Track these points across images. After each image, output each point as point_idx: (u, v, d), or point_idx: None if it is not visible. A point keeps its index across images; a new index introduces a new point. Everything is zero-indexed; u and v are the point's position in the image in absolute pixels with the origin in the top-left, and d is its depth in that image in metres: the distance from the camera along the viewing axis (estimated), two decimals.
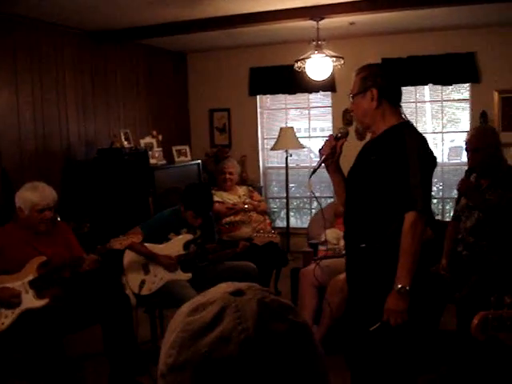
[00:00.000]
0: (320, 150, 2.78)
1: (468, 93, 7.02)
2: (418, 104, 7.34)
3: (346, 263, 2.88)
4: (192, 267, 4.38)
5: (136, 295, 4.27)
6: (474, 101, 6.92)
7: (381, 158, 2.62)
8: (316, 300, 4.33)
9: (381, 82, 2.68)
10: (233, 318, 0.77)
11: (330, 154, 2.74)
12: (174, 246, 4.36)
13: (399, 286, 2.53)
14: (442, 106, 7.26)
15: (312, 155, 7.72)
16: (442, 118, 7.28)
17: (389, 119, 2.70)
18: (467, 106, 7.08)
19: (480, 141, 3.73)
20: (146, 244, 4.31)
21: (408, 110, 7.19)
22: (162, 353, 0.82)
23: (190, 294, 3.93)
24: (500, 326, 1.80)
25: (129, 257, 4.32)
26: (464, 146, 3.91)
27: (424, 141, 2.67)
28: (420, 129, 6.92)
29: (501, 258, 3.65)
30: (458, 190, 3.91)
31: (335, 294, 3.99)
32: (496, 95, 6.74)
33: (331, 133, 2.86)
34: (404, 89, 6.76)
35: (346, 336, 3.15)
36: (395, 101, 2.74)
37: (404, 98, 6.98)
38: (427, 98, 7.34)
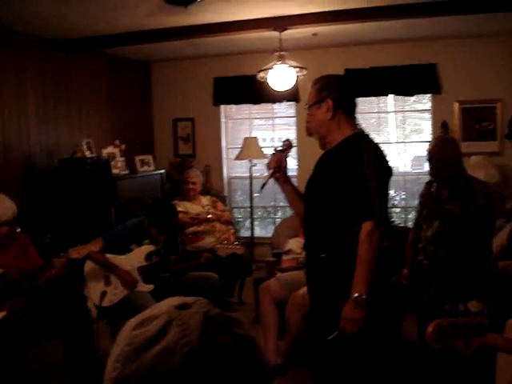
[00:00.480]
0: (267, 164, 2.81)
1: (429, 103, 7.13)
2: (383, 114, 7.43)
3: (307, 273, 2.89)
4: (154, 278, 4.35)
5: (97, 307, 4.22)
6: (435, 111, 7.03)
7: (337, 169, 2.65)
8: (277, 315, 4.31)
9: (336, 93, 2.72)
10: (177, 331, 0.77)
11: (277, 166, 2.77)
12: (136, 256, 4.33)
13: (356, 294, 2.55)
14: (404, 117, 7.36)
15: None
16: (404, 129, 7.37)
17: (344, 130, 2.73)
18: (429, 116, 7.19)
19: (441, 151, 3.78)
20: (107, 255, 4.27)
21: (372, 120, 7.30)
22: (107, 367, 0.81)
23: (152, 305, 3.88)
24: (454, 334, 1.81)
25: (89, 267, 4.27)
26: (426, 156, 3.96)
27: (379, 151, 2.70)
28: (383, 139, 7.16)
29: (460, 266, 3.69)
30: (420, 203, 3.97)
31: (295, 310, 3.99)
32: (456, 106, 6.86)
33: (277, 146, 2.90)
34: (368, 99, 7.02)
35: (308, 346, 3.15)
36: (350, 111, 2.78)
37: (367, 108, 7.19)
38: (391, 109, 7.43)
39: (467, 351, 1.86)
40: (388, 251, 4.34)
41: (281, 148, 2.85)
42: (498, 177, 6.32)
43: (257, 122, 8.00)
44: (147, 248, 4.36)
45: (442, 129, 6.84)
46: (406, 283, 3.96)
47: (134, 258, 4.32)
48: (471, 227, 3.66)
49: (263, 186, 2.84)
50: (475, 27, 6.22)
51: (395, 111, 7.40)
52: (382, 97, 7.24)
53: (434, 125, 7.02)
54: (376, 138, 7.12)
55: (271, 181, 2.88)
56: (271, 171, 2.79)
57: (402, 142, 7.37)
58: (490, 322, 2.21)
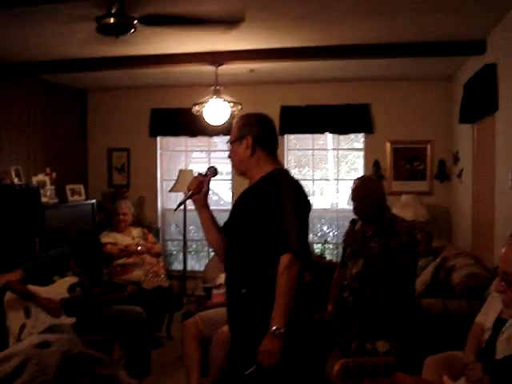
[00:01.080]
0: (188, 185, 2.81)
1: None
2: (323, 151, 7.58)
3: (228, 309, 2.87)
4: (77, 311, 4.23)
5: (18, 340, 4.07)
6: (367, 150, 7.19)
7: (257, 204, 2.67)
8: (200, 353, 4.24)
9: (256, 131, 2.76)
10: (33, 370, 0.74)
11: (197, 189, 2.77)
12: (58, 288, 4.21)
13: (274, 327, 2.54)
14: (342, 155, 7.51)
15: (216, 197, 7.80)
16: (338, 166, 7.50)
17: (264, 166, 2.76)
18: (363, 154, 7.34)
19: (364, 190, 3.87)
20: (28, 286, 4.14)
21: (311, 157, 7.43)
22: None
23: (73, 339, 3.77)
24: (362, 373, 1.80)
25: (8, 297, 4.13)
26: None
27: (298, 186, 2.74)
28: (321, 175, 7.26)
29: (382, 303, 3.74)
30: (343, 241, 4.02)
31: (219, 348, 3.94)
32: (388, 146, 7.04)
33: (208, 172, 2.91)
34: (308, 136, 7.14)
35: (229, 383, 3.10)
36: (271, 149, 2.81)
37: (307, 144, 7.26)
38: (330, 146, 7.56)
39: None
40: (310, 286, 4.39)
41: (205, 172, 2.84)
42: (426, 216, 6.49)
43: (194, 154, 8.00)
44: (70, 280, 4.25)
45: (374, 168, 7.00)
46: (331, 319, 3.97)
47: (56, 290, 4.20)
48: (394, 265, 3.72)
49: (179, 205, 2.84)
50: (406, 70, 6.45)
51: (333, 149, 7.54)
52: (322, 134, 7.36)
53: (366, 163, 7.17)
54: (315, 174, 7.35)
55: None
56: (190, 192, 2.78)
57: (340, 180, 7.49)
58: (402, 361, 2.23)
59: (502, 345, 2.96)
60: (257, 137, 2.75)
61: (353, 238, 3.86)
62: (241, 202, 2.82)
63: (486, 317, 3.29)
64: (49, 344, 0.79)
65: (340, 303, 4.02)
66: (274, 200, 2.61)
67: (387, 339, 3.06)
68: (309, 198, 2.76)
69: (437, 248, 5.54)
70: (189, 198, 2.80)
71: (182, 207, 2.87)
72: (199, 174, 2.84)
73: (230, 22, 4.16)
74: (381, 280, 3.77)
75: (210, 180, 2.81)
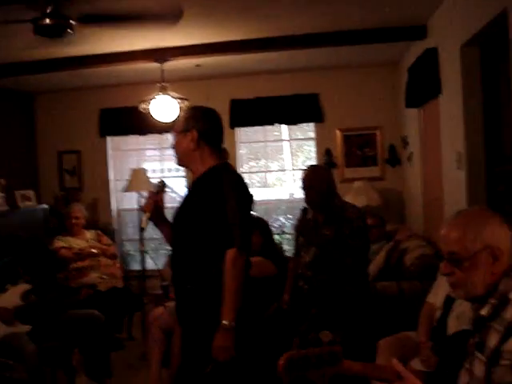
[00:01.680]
0: (144, 207, 2.80)
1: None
2: (279, 143, 7.64)
3: (176, 306, 2.87)
4: (32, 318, 4.17)
5: None
6: (319, 139, 7.23)
7: (200, 199, 2.68)
8: (163, 343, 4.26)
9: (201, 125, 2.77)
10: None
11: (154, 209, 2.78)
12: (11, 296, 4.14)
13: (224, 322, 2.55)
14: (298, 145, 7.56)
15: (174, 195, 7.76)
16: (294, 156, 7.54)
17: (207, 161, 2.78)
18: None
19: (313, 179, 3.90)
20: None
21: (267, 148, 7.50)
22: None
23: (29, 347, 3.72)
24: (307, 365, 1.81)
25: None
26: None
27: (240, 179, 2.76)
28: (278, 166, 7.28)
29: (336, 290, 3.78)
30: (296, 229, 4.05)
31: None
32: (338, 133, 7.10)
33: (151, 189, 2.92)
34: (260, 128, 7.15)
35: (185, 380, 3.10)
36: (215, 144, 2.82)
37: (261, 136, 7.27)
38: (285, 137, 7.60)
39: (322, 381, 1.87)
40: (274, 278, 4.42)
41: (155, 190, 2.85)
42: (379, 201, 6.57)
43: (148, 153, 7.94)
44: (23, 287, 4.19)
45: (325, 156, 7.06)
46: (287, 308, 4.01)
47: (9, 298, 4.14)
48: (346, 251, 3.76)
49: (142, 229, 2.84)
50: (352, 58, 6.51)
51: (286, 140, 7.59)
52: (276, 126, 7.39)
53: (318, 152, 7.22)
54: (272, 166, 7.38)
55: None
56: (148, 214, 2.78)
57: (297, 170, 7.51)
58: (355, 347, 2.24)
59: (452, 322, 3.04)
60: (202, 131, 2.75)
61: (305, 227, 3.90)
62: (186, 198, 2.84)
63: (437, 296, 3.37)
64: None
65: (296, 292, 4.06)
66: (216, 195, 2.62)
67: (330, 329, 3.09)
68: (250, 191, 2.76)
69: (390, 232, 5.62)
70: (148, 219, 2.81)
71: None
72: (150, 192, 2.85)
73: (168, 17, 4.12)
74: (334, 267, 3.81)
75: (162, 196, 2.82)
